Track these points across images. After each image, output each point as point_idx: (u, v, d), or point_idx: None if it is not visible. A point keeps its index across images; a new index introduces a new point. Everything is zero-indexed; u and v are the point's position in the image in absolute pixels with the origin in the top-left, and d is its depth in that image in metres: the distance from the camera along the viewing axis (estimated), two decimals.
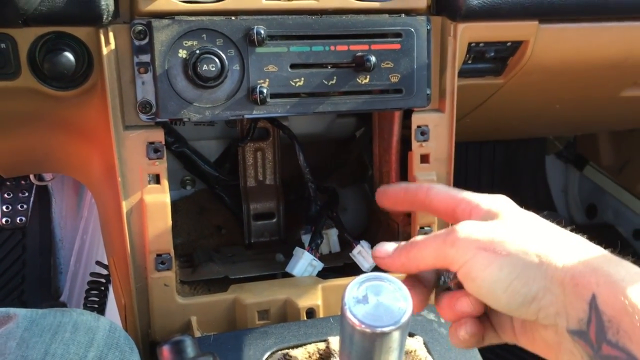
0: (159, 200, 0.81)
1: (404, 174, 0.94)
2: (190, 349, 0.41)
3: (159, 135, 0.81)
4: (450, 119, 0.89)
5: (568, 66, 0.94)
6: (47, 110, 0.84)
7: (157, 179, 0.82)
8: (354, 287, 0.47)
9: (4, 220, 1.46)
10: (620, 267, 0.47)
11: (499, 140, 1.73)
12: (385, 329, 0.45)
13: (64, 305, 1.60)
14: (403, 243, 0.56)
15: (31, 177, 1.40)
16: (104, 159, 0.86)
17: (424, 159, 0.90)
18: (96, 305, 1.16)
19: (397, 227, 0.99)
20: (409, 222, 0.94)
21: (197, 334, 0.83)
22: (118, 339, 0.68)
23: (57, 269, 1.69)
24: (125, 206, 0.80)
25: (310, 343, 0.76)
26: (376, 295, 0.47)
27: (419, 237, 0.55)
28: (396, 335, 0.46)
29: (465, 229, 0.52)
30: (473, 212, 0.57)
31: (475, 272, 0.50)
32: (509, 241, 0.50)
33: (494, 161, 1.75)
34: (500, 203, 0.57)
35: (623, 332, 0.44)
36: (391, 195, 0.64)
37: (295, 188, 1.12)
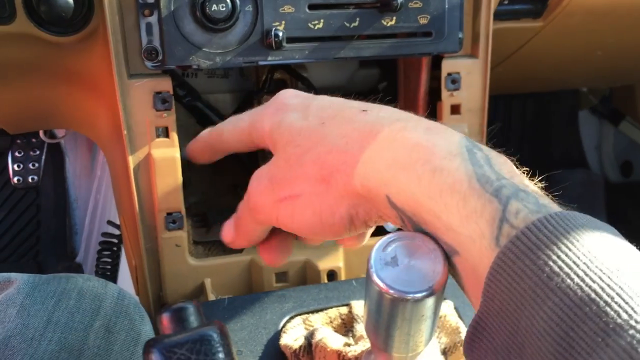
0: (168, 155, 0.75)
1: None
2: (193, 317, 0.36)
3: (166, 85, 0.74)
4: (485, 66, 0.81)
5: (615, 6, 0.85)
6: (46, 59, 0.78)
7: (166, 132, 0.76)
8: (381, 248, 0.41)
9: (15, 179, 1.42)
10: (397, 148, 0.44)
11: (530, 94, 1.64)
12: (418, 295, 0.39)
13: (79, 266, 1.58)
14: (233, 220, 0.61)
15: (41, 134, 1.35)
16: (110, 112, 0.81)
17: (455, 109, 0.82)
18: (109, 267, 1.12)
19: None
20: None
21: (211, 296, 0.78)
22: (127, 307, 0.63)
23: (72, 230, 1.66)
24: (132, 162, 0.75)
25: (331, 307, 0.71)
26: (407, 257, 0.40)
27: (238, 209, 0.60)
28: (430, 302, 0.40)
29: (257, 188, 0.54)
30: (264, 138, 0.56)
31: (286, 225, 0.51)
32: (289, 180, 0.50)
33: (524, 116, 1.66)
34: (274, 121, 0.54)
35: (428, 223, 0.41)
36: (194, 150, 0.67)
37: None
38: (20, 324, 0.56)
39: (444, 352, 0.64)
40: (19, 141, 1.45)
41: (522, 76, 1.12)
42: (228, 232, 0.62)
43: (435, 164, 0.41)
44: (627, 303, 0.31)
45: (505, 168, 0.41)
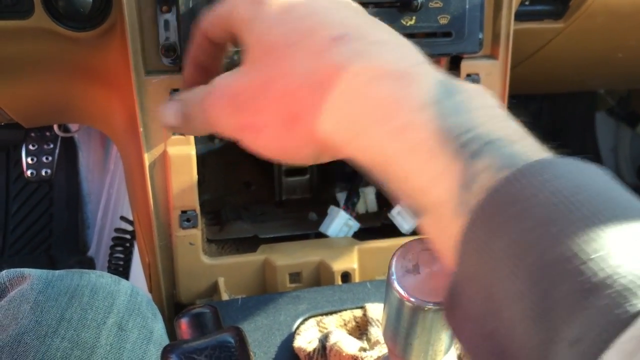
0: (183, 153, 0.75)
1: None
2: (211, 322, 0.35)
3: (182, 82, 0.74)
4: (504, 67, 0.80)
5: (639, 7, 0.84)
6: (63, 54, 0.77)
7: None
8: (402, 255, 0.40)
9: (29, 172, 1.42)
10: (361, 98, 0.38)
11: (546, 94, 1.62)
12: (439, 306, 0.38)
13: (91, 260, 1.58)
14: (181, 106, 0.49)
15: (55, 128, 1.35)
16: (125, 108, 0.80)
17: None
18: (121, 262, 1.12)
19: None
20: None
21: (225, 296, 0.78)
22: (140, 304, 0.63)
23: (84, 224, 1.67)
24: (147, 159, 0.74)
25: (345, 310, 0.70)
26: (429, 265, 0.40)
27: (191, 99, 0.48)
28: None
29: (218, 102, 0.44)
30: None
31: (247, 148, 0.44)
32: (253, 108, 0.43)
33: (540, 117, 1.64)
34: (248, 21, 0.45)
35: (397, 185, 0.37)
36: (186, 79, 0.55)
37: None
38: (34, 320, 0.55)
39: (460, 358, 0.63)
40: (32, 134, 1.46)
41: (541, 77, 1.10)
42: (172, 117, 0.50)
43: (403, 120, 0.37)
44: (607, 259, 0.28)
45: (482, 112, 0.37)
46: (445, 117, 0.36)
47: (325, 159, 0.44)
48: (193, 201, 0.76)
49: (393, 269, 0.39)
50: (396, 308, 0.40)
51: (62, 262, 1.61)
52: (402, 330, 0.41)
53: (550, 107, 1.67)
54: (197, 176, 0.76)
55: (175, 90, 0.73)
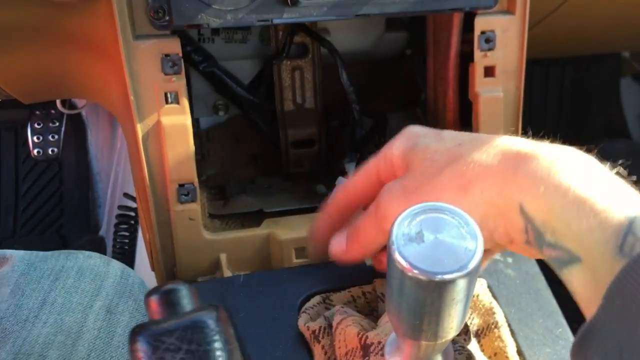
0: (178, 122, 0.70)
1: (464, 92, 0.81)
2: (186, 300, 0.31)
3: (175, 46, 0.69)
4: (522, 23, 0.74)
5: None
6: (49, 21, 0.73)
7: (176, 98, 0.71)
8: (404, 221, 0.35)
9: (35, 151, 1.40)
10: (536, 164, 0.47)
11: (568, 60, 1.55)
12: (447, 277, 0.34)
13: (102, 239, 1.55)
14: (345, 232, 0.60)
15: (58, 105, 1.31)
16: (119, 78, 0.76)
17: (489, 71, 0.76)
18: (126, 241, 1.08)
19: None
20: None
21: (228, 273, 0.74)
22: (131, 286, 0.59)
23: (95, 203, 1.64)
24: (140, 130, 0.70)
25: (354, 285, 0.66)
26: (434, 232, 0.35)
27: (357, 220, 0.58)
28: (461, 284, 0.35)
29: (387, 196, 0.54)
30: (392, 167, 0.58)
31: None
32: (425, 188, 0.51)
33: (562, 83, 1.57)
34: (407, 145, 0.56)
35: (556, 231, 0.44)
36: (324, 229, 0.64)
37: (339, 112, 0.99)
38: (14, 304, 0.52)
39: (477, 335, 0.59)
40: (38, 112, 1.42)
41: (562, 38, 1.04)
42: (339, 243, 0.61)
43: (561, 186, 0.45)
44: None
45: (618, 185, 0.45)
46: (609, 184, 0.45)
47: (486, 232, 0.49)
48: (191, 174, 0.72)
49: (393, 237, 0.35)
50: (399, 281, 0.35)
51: (73, 242, 1.59)
52: (407, 306, 0.36)
53: (573, 73, 1.60)
54: (194, 147, 0.72)
55: (166, 55, 0.68)
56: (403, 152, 0.56)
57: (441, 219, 0.35)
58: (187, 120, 0.71)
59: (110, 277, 0.57)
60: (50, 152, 1.44)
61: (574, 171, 0.45)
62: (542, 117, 1.56)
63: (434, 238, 0.35)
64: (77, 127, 1.62)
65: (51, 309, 0.52)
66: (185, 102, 0.71)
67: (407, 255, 0.34)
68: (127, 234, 1.07)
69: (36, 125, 1.42)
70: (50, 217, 1.62)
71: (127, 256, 1.08)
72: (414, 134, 0.57)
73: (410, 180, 0.53)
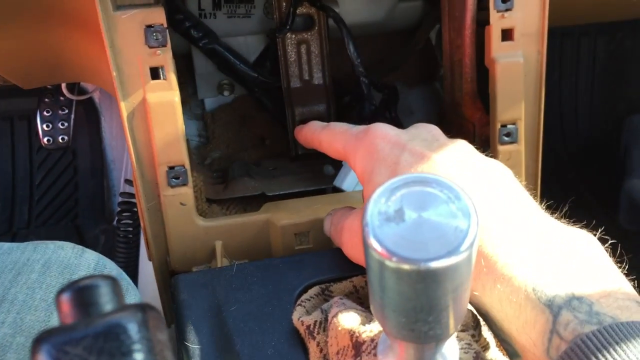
0: (165, 100, 0.65)
1: (481, 59, 0.73)
2: (105, 299, 0.25)
3: (159, 16, 0.63)
4: None
5: None
6: None
7: (162, 73, 0.65)
8: (381, 197, 0.29)
9: (45, 139, 1.36)
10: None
11: (600, 30, 1.44)
12: (433, 264, 0.27)
13: (117, 229, 1.52)
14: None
15: (64, 90, 1.27)
16: (105, 54, 0.71)
17: (507, 34, 0.68)
18: (130, 228, 1.04)
19: (472, 128, 0.79)
20: (488, 120, 0.74)
21: (224, 262, 0.68)
22: None
23: (110, 191, 1.61)
24: (124, 108, 0.65)
25: (357, 275, 0.59)
26: (418, 209, 0.28)
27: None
28: (452, 272, 0.28)
29: (345, 244, 0.57)
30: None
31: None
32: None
33: (595, 54, 1.47)
34: (366, 176, 0.55)
35: (495, 329, 0.46)
36: (302, 136, 0.71)
37: (349, 88, 0.93)
38: None
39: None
40: (46, 100, 1.39)
41: (590, 1, 0.95)
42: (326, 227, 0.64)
43: (496, 274, 0.42)
44: None
45: (568, 267, 0.41)
46: (535, 271, 0.41)
47: None
48: (181, 155, 0.66)
49: (367, 216, 0.28)
50: (377, 271, 0.29)
51: (88, 232, 1.56)
52: (389, 301, 0.30)
53: (606, 43, 1.49)
54: (183, 126, 0.66)
55: (150, 26, 0.63)
56: (361, 174, 0.55)
57: (426, 192, 0.28)
58: (176, 96, 0.65)
59: (81, 270, 0.52)
60: (60, 140, 1.40)
61: (499, 262, 0.42)
62: (573, 92, 1.46)
63: (417, 216, 0.28)
64: (89, 114, 1.58)
65: (10, 308, 0.47)
66: (172, 77, 0.65)
67: (383, 239, 0.27)
68: (130, 222, 1.03)
69: (45, 113, 1.39)
70: (65, 207, 1.60)
71: (131, 246, 1.03)
72: (373, 149, 0.53)
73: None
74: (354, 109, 0.91)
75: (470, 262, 0.29)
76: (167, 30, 0.64)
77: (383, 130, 0.53)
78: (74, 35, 0.79)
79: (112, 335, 0.24)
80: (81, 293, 0.25)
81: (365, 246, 0.28)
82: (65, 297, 0.25)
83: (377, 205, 0.28)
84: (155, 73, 0.65)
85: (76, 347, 0.23)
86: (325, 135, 0.61)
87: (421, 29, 0.97)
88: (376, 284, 0.30)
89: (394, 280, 0.28)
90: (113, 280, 0.26)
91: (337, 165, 0.82)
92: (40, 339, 0.24)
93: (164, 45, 0.64)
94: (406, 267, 0.27)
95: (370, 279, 0.30)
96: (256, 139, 0.99)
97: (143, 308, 0.25)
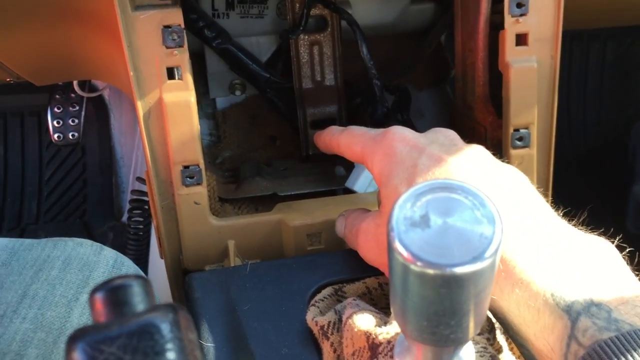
0: (182, 100, 0.65)
1: (494, 63, 0.74)
2: (138, 299, 0.25)
3: (176, 17, 0.64)
4: None
5: None
6: None
7: (179, 74, 0.66)
8: (407, 202, 0.29)
9: (55, 136, 1.37)
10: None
11: (610, 34, 1.45)
12: (458, 270, 0.28)
13: (124, 225, 1.52)
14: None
15: (76, 87, 1.28)
16: (122, 53, 0.71)
17: (521, 39, 0.69)
18: (141, 226, 1.04)
19: (484, 132, 0.79)
20: (499, 124, 0.75)
21: (237, 261, 0.69)
22: None
23: (118, 188, 1.62)
24: (141, 108, 0.66)
25: (370, 276, 0.60)
26: (443, 215, 0.29)
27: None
28: (476, 278, 0.28)
29: (361, 246, 0.57)
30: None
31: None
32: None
33: (604, 59, 1.47)
34: (384, 179, 0.55)
35: (513, 333, 0.45)
36: (321, 140, 0.71)
37: (361, 89, 0.93)
38: None
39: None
40: (57, 96, 1.40)
41: (604, 4, 0.95)
42: (339, 229, 0.65)
43: (514, 279, 0.42)
44: None
45: (586, 273, 0.41)
46: (553, 275, 0.41)
47: None
48: (196, 154, 0.67)
49: (393, 221, 0.29)
50: (401, 275, 0.29)
51: (97, 228, 1.57)
52: (411, 305, 0.30)
53: (615, 48, 1.49)
54: (199, 126, 0.67)
55: (167, 27, 0.63)
56: (378, 177, 0.55)
57: (452, 199, 0.29)
58: (192, 97, 0.66)
59: (100, 267, 0.53)
60: (70, 137, 1.41)
61: (517, 267, 0.43)
62: (582, 95, 1.46)
63: (443, 222, 0.29)
64: (99, 111, 1.59)
65: (31, 303, 0.47)
66: (188, 78, 0.66)
67: (409, 244, 0.28)
68: (141, 219, 1.03)
69: (56, 110, 1.39)
70: (74, 203, 1.61)
71: (142, 243, 1.04)
72: (391, 152, 0.53)
73: (383, 235, 0.53)
74: (366, 110, 0.91)
75: (494, 268, 0.29)
76: (185, 31, 0.65)
77: (401, 133, 0.53)
78: (89, 34, 0.80)
79: (146, 335, 0.24)
80: (114, 292, 0.26)
81: (390, 250, 0.29)
82: (99, 296, 0.26)
83: (403, 210, 0.29)
84: (170, 73, 0.65)
85: (111, 345, 0.24)
86: (344, 138, 0.62)
87: (433, 31, 0.98)
88: (399, 287, 0.30)
89: (418, 284, 0.29)
90: (145, 280, 0.27)
91: (348, 166, 0.82)
92: (75, 337, 0.24)
93: (181, 46, 0.65)
94: (431, 271, 0.28)
95: (393, 282, 0.31)
96: (267, 138, 1.00)
97: (174, 308, 0.26)
